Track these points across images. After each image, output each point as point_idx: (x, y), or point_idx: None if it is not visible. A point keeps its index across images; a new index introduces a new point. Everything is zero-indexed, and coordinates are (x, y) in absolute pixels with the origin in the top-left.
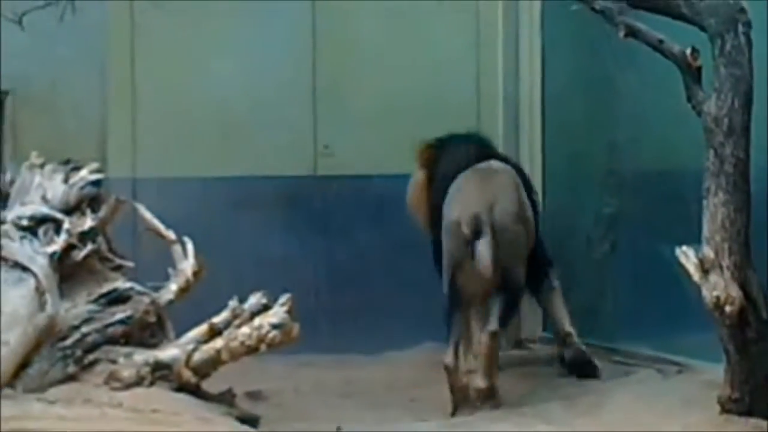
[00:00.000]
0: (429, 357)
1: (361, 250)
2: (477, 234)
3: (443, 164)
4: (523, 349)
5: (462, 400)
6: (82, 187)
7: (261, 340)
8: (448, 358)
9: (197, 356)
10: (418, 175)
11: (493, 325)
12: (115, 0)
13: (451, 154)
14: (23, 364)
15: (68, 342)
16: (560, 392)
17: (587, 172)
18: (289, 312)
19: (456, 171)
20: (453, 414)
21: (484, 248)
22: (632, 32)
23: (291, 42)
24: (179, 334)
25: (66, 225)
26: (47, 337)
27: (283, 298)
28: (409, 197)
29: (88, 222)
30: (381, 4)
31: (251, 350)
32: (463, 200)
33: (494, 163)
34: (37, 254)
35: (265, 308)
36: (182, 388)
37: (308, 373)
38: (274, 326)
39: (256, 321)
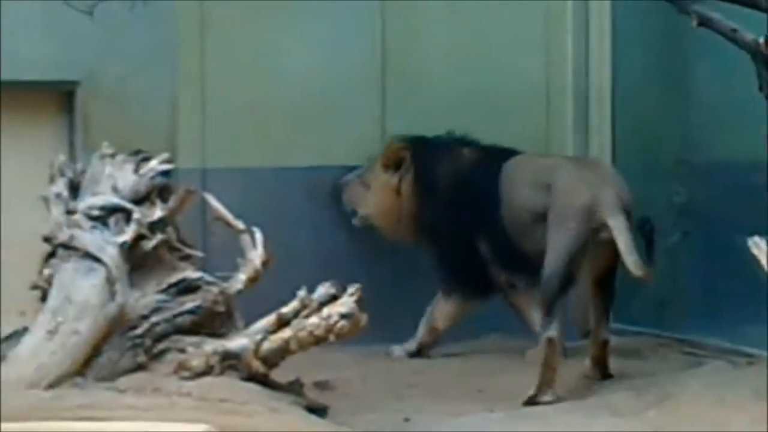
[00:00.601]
0: (496, 347)
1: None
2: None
3: (448, 166)
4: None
5: (551, 380)
6: (152, 178)
7: (329, 330)
8: (553, 332)
9: (266, 346)
10: (386, 179)
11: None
12: None
13: (460, 156)
14: (93, 354)
15: (138, 331)
16: (628, 383)
17: (658, 163)
18: (357, 302)
19: (479, 172)
20: (535, 396)
21: (625, 237)
22: (705, 22)
23: (360, 32)
24: (249, 324)
25: (136, 215)
26: (117, 326)
27: (352, 288)
28: (372, 202)
29: (157, 212)
30: None
31: (320, 340)
32: (586, 186)
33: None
34: (107, 244)
35: (334, 298)
36: (251, 377)
37: (376, 363)
38: (343, 316)
39: (325, 311)
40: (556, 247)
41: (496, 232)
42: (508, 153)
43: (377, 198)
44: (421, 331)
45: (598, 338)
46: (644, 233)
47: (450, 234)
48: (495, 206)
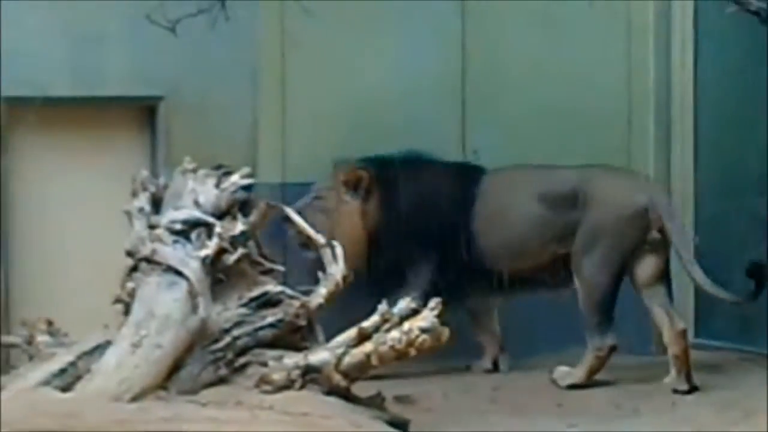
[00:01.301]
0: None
1: None
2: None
3: (413, 186)
4: None
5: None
6: (233, 192)
7: (410, 344)
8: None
9: (347, 360)
10: (346, 203)
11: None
12: (266, 7)
13: (424, 175)
14: (176, 367)
15: (220, 345)
16: (712, 398)
17: (742, 175)
18: (438, 316)
19: (448, 191)
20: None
21: (684, 241)
22: None
23: (440, 45)
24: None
25: (218, 229)
26: (199, 340)
27: (433, 302)
28: (333, 229)
29: (239, 226)
30: (531, 8)
31: (401, 354)
32: (636, 191)
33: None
34: (189, 258)
35: (414, 313)
36: (332, 391)
37: (457, 378)
38: (424, 330)
39: (406, 325)
40: (606, 254)
41: (467, 249)
42: (472, 169)
43: (339, 223)
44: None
45: (675, 329)
46: (754, 274)
47: (418, 254)
48: (466, 224)
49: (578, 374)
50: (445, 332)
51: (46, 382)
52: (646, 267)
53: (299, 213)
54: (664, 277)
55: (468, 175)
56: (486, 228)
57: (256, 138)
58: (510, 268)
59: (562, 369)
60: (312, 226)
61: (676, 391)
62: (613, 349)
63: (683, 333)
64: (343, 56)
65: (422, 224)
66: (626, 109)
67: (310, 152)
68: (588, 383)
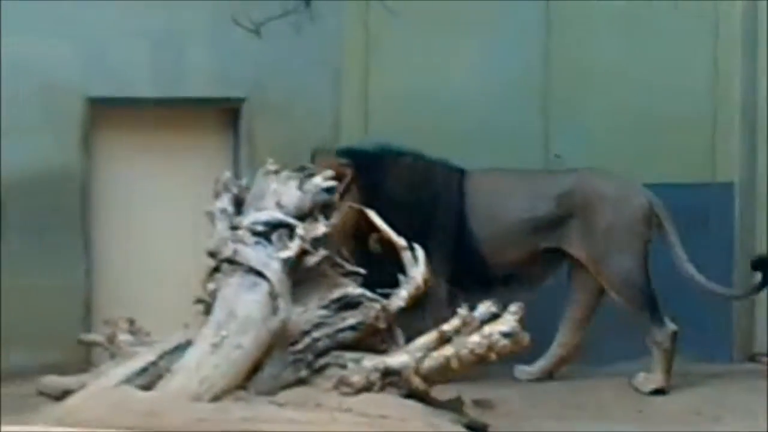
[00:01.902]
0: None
1: None
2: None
3: (396, 180)
4: (756, 363)
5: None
6: (316, 194)
7: (491, 348)
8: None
9: (426, 363)
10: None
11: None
12: (350, 8)
13: (406, 169)
14: (256, 368)
15: (300, 346)
16: None
17: None
18: (519, 321)
19: (431, 186)
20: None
21: (679, 240)
22: None
23: (524, 49)
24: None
25: (299, 231)
26: (279, 341)
27: (514, 306)
28: None
29: (321, 228)
30: (615, 11)
31: (481, 358)
32: (639, 193)
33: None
34: (271, 259)
35: (495, 317)
36: (411, 394)
37: (536, 383)
38: (504, 335)
39: (486, 329)
40: (632, 252)
41: (457, 245)
42: (451, 166)
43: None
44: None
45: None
46: (759, 267)
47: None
48: (452, 218)
49: (657, 378)
50: (526, 337)
51: (128, 381)
52: None
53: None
54: None
55: (448, 174)
56: (474, 226)
57: (338, 140)
58: (494, 264)
59: (643, 375)
60: None
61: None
62: (675, 334)
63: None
64: (427, 58)
65: (402, 221)
66: (711, 113)
67: None
68: (669, 387)
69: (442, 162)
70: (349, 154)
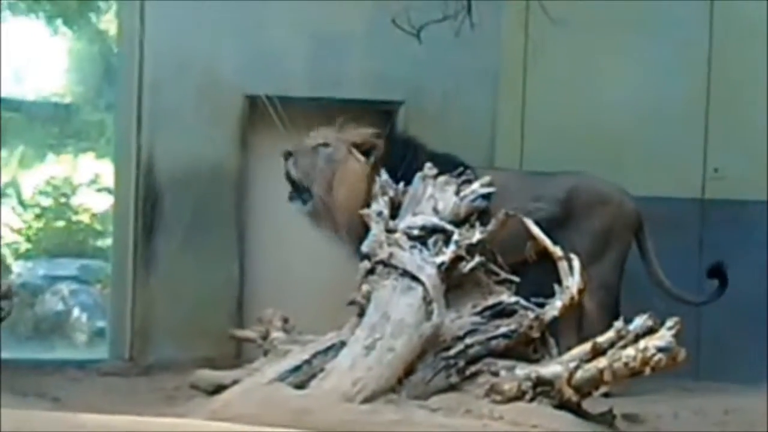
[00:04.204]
0: None
1: (747, 276)
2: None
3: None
4: None
5: None
6: (472, 200)
7: (645, 362)
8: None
9: (579, 374)
10: (356, 163)
11: None
12: (510, 13)
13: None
14: (408, 372)
15: (452, 352)
16: None
17: None
18: (676, 336)
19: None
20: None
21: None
22: None
23: (686, 62)
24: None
25: (455, 237)
26: (432, 346)
27: (671, 321)
28: (339, 184)
29: (476, 234)
30: None
31: (635, 372)
32: (630, 198)
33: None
34: (426, 264)
35: (651, 331)
36: (562, 405)
37: (688, 400)
38: (660, 349)
39: (642, 343)
40: (612, 256)
41: None
42: (456, 161)
43: (343, 178)
44: None
45: None
46: (715, 275)
47: None
48: None
49: None
50: (682, 352)
51: (282, 378)
52: None
53: (299, 154)
54: None
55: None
56: None
57: (494, 145)
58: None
59: None
60: (314, 169)
61: None
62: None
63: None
64: (586, 70)
65: None
66: None
67: (547, 161)
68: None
69: (447, 156)
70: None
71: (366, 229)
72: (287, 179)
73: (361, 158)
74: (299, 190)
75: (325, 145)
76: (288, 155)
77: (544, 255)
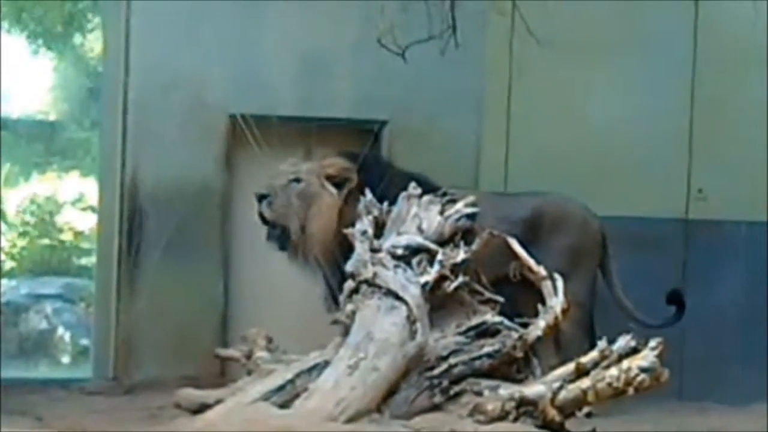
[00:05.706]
0: None
1: (728, 297)
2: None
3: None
4: None
5: None
6: (457, 220)
7: (629, 383)
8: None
9: (563, 395)
10: (330, 196)
11: None
12: (495, 34)
13: (385, 172)
14: (391, 391)
15: (435, 372)
16: None
17: None
18: (659, 356)
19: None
20: None
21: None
22: None
23: (670, 83)
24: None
25: (439, 256)
26: (415, 365)
27: (654, 341)
28: (314, 218)
29: (460, 254)
30: (762, 49)
31: (618, 393)
32: (595, 218)
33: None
34: (410, 283)
35: (634, 351)
36: (546, 425)
37: (671, 420)
38: (643, 370)
39: (625, 363)
40: (581, 274)
41: None
42: (428, 182)
43: (317, 212)
44: None
45: None
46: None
47: None
48: None
49: None
50: (665, 373)
51: (265, 398)
52: None
53: (273, 190)
54: None
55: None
56: None
57: (478, 167)
58: None
59: None
60: (288, 208)
61: None
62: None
63: None
64: (571, 87)
65: None
66: None
67: (532, 182)
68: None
69: (419, 176)
70: (352, 157)
71: (341, 256)
72: (261, 221)
73: (334, 191)
74: (275, 229)
75: (297, 180)
76: (261, 198)
77: (520, 274)
